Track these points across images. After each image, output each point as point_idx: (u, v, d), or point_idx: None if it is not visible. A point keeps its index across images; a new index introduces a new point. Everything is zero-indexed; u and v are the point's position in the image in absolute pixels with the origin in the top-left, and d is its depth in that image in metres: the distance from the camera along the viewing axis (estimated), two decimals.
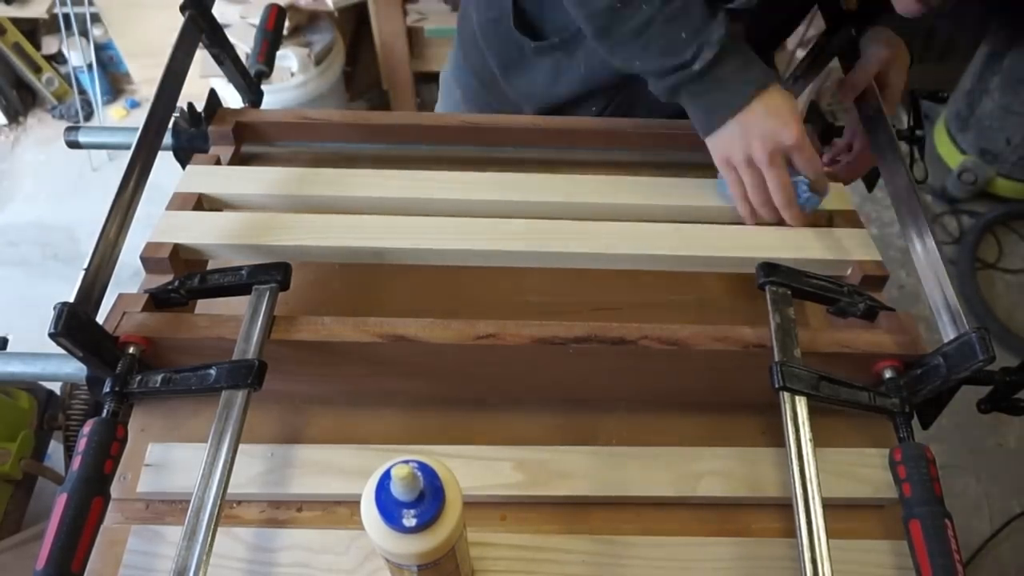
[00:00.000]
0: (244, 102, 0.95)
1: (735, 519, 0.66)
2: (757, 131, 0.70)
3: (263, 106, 0.96)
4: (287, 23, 1.77)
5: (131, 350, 0.62)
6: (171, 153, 0.86)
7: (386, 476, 0.44)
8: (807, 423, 0.57)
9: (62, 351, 0.58)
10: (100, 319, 0.62)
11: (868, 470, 0.66)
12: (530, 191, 0.79)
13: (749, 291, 0.68)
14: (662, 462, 0.67)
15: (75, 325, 0.56)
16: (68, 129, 0.90)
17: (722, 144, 0.73)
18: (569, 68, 0.90)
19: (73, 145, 0.91)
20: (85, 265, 0.62)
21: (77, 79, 2.47)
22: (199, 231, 0.73)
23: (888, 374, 0.64)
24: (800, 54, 2.29)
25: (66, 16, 2.29)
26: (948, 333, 0.62)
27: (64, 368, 0.64)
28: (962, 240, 2.22)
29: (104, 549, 0.61)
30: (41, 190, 2.39)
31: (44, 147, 2.51)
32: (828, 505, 0.54)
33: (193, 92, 0.86)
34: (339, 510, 0.65)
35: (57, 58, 2.56)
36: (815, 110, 0.92)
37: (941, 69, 2.58)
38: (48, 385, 1.40)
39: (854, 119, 0.86)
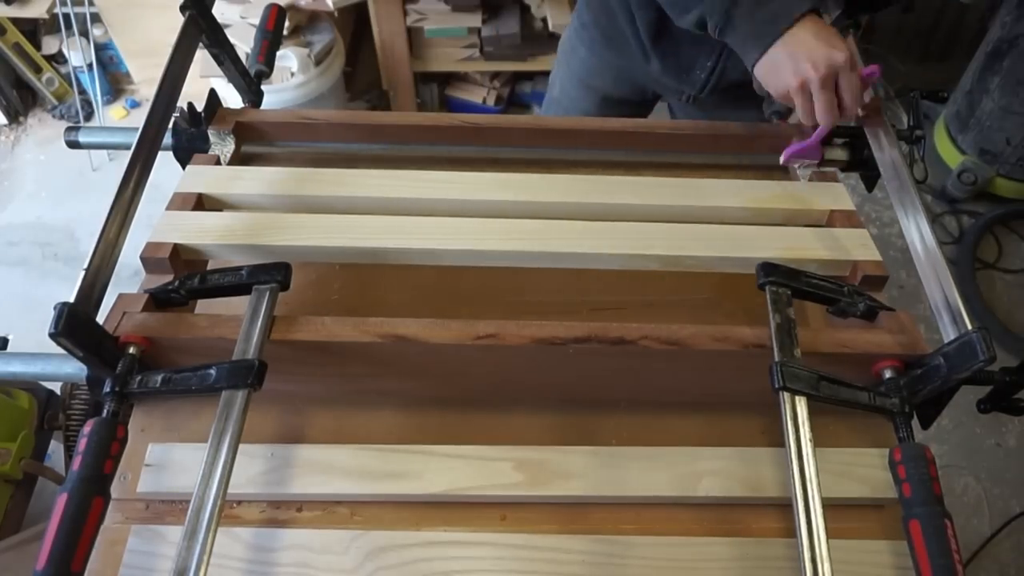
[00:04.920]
0: (244, 102, 0.95)
1: (735, 519, 0.66)
2: (806, 53, 0.71)
3: (263, 106, 0.96)
4: (287, 23, 1.77)
5: (131, 350, 0.62)
6: (171, 153, 0.86)
7: None
8: (807, 423, 0.57)
9: (62, 351, 0.58)
10: (100, 319, 0.62)
11: (868, 470, 0.66)
12: (530, 191, 0.79)
13: (749, 291, 0.68)
14: (662, 462, 0.67)
15: (75, 325, 0.56)
16: (68, 129, 0.90)
17: (772, 71, 0.74)
18: None
19: (73, 145, 0.91)
20: (85, 265, 0.62)
21: (77, 79, 2.47)
22: (199, 231, 0.73)
23: (888, 374, 0.64)
24: None
25: (66, 16, 2.29)
26: (948, 333, 0.62)
27: (64, 368, 0.64)
28: (962, 240, 2.22)
29: (104, 549, 0.61)
30: (41, 190, 2.39)
31: (44, 147, 2.51)
32: (828, 505, 0.54)
33: (193, 92, 0.86)
34: (339, 510, 0.65)
35: (57, 58, 2.55)
36: None
37: (941, 69, 2.59)
38: (48, 385, 1.40)
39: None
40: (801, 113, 0.75)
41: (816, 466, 0.56)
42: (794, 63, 0.72)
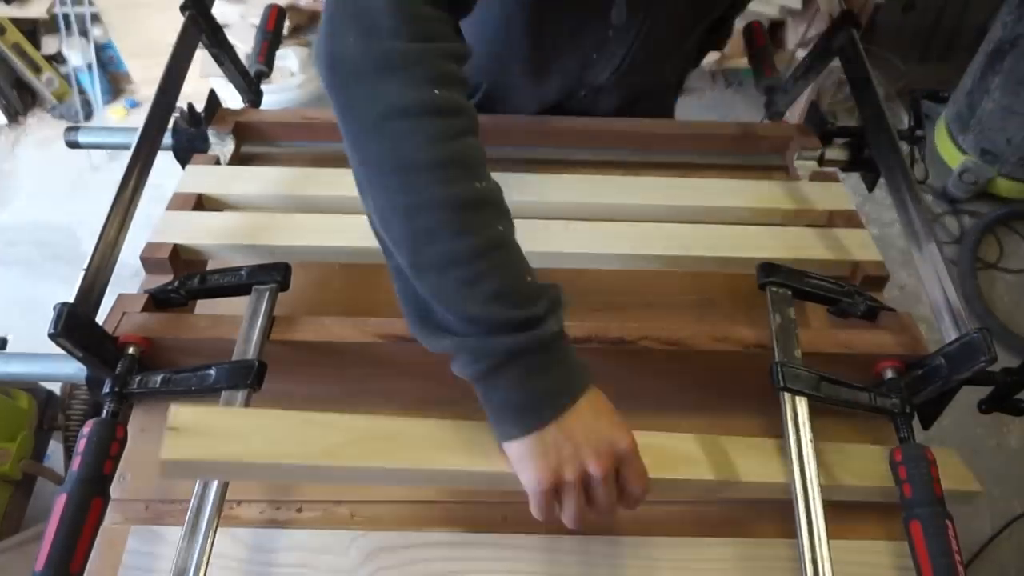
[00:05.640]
0: (244, 102, 0.95)
1: (735, 519, 0.65)
2: (588, 437, 0.48)
3: (263, 106, 0.96)
4: (287, 23, 1.77)
5: (131, 350, 0.61)
6: (171, 153, 0.86)
7: None
8: (807, 423, 0.57)
9: (62, 351, 0.58)
10: (100, 319, 0.62)
11: None
12: (530, 191, 0.79)
13: (749, 291, 0.68)
14: None
15: (75, 325, 0.56)
16: (68, 129, 0.90)
17: (541, 455, 0.48)
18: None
19: (73, 145, 0.91)
20: (85, 265, 0.62)
21: (77, 79, 2.47)
22: (199, 231, 0.73)
23: (889, 374, 0.64)
24: (800, 54, 2.29)
25: (66, 16, 2.29)
26: (950, 334, 0.62)
27: (64, 368, 0.64)
28: (963, 240, 2.22)
29: (104, 549, 0.61)
30: (41, 190, 2.39)
31: (44, 147, 2.51)
32: (828, 505, 0.54)
33: (193, 92, 0.86)
34: (339, 510, 0.65)
35: (57, 58, 2.56)
36: (815, 110, 0.92)
37: (941, 69, 2.59)
38: (48, 385, 1.40)
39: None
40: (576, 513, 0.50)
41: (817, 466, 0.55)
42: (573, 448, 0.48)
